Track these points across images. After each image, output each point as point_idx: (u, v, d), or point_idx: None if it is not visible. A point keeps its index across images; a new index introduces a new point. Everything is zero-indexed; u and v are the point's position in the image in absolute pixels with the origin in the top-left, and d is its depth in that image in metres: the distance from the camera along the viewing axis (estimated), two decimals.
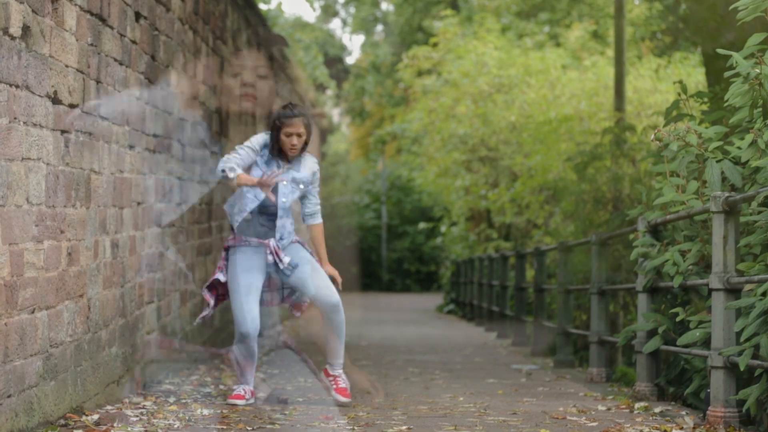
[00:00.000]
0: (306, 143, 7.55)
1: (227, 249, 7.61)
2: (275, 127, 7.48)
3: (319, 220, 7.73)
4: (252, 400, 7.63)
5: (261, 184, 7.28)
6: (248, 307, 7.44)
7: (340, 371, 7.74)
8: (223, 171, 7.30)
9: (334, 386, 7.68)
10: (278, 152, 7.51)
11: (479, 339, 16.90)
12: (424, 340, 16.24)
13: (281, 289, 7.74)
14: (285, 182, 7.48)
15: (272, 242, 7.49)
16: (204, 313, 7.66)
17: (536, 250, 14.35)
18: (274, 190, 7.47)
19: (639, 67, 24.65)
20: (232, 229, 7.57)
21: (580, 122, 21.55)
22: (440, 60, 27.93)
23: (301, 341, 8.22)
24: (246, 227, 7.51)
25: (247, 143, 7.52)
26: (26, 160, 5.65)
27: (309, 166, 7.60)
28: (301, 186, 7.56)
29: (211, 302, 7.61)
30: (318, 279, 7.59)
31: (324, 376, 7.79)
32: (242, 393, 7.59)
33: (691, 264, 7.79)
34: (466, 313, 23.76)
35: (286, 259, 7.49)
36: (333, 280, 7.72)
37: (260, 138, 7.55)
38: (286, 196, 7.49)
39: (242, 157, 7.45)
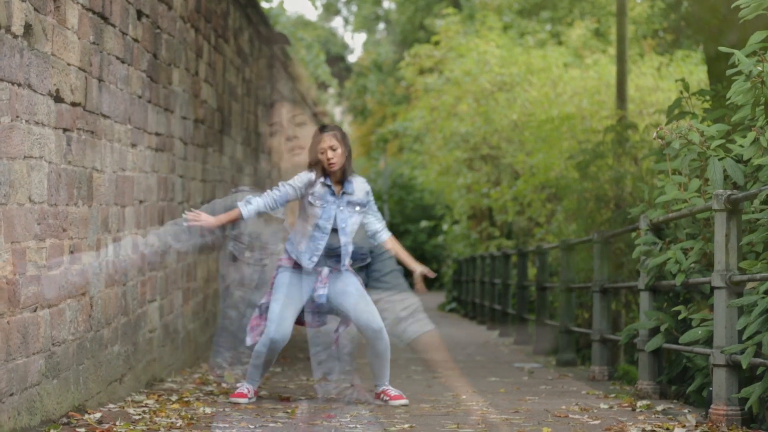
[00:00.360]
0: (347, 158, 7.59)
1: (278, 268, 7.67)
2: (312, 148, 7.59)
3: (388, 234, 7.80)
4: (254, 399, 7.63)
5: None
6: (283, 315, 7.50)
7: (386, 385, 7.73)
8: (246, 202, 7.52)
9: (388, 398, 7.66)
10: (324, 175, 7.55)
11: (481, 337, 16.89)
12: None
13: (323, 314, 7.76)
14: (341, 208, 7.55)
15: (325, 271, 7.55)
16: (249, 343, 7.73)
17: (538, 249, 14.35)
18: (335, 220, 7.54)
19: (641, 65, 24.65)
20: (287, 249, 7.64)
21: (582, 120, 21.54)
22: (442, 58, 27.93)
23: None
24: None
25: (290, 181, 7.61)
26: (28, 158, 5.65)
27: (360, 187, 7.65)
28: (358, 208, 7.62)
29: (257, 330, 7.67)
30: (362, 305, 7.62)
31: (375, 399, 7.76)
32: (245, 392, 7.59)
33: (693, 262, 7.79)
34: (468, 312, 23.76)
35: (321, 291, 7.54)
36: (425, 278, 7.80)
37: (303, 176, 7.60)
38: (345, 222, 7.56)
39: (281, 193, 7.55)
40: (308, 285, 7.58)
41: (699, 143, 7.89)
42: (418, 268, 7.75)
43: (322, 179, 7.55)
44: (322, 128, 7.66)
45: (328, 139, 7.56)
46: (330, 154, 7.53)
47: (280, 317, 7.49)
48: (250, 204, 7.49)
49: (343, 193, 7.59)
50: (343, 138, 7.62)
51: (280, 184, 7.61)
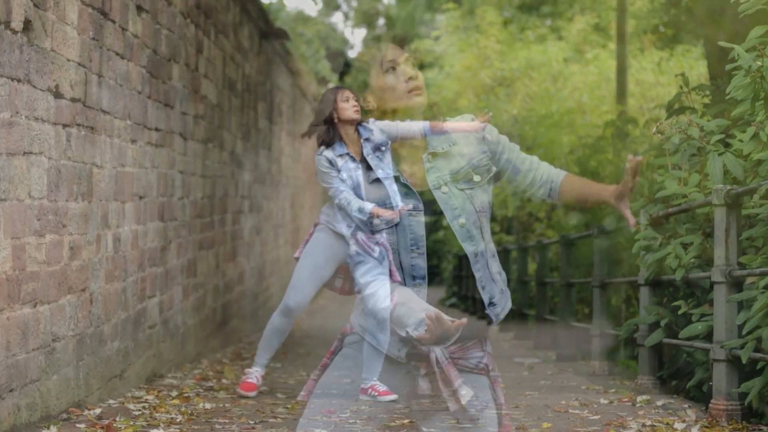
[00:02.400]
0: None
1: (316, 225, 7.50)
2: (331, 104, 7.03)
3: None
4: (261, 387, 7.55)
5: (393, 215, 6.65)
6: (304, 284, 7.40)
7: (375, 380, 7.56)
8: (360, 210, 6.70)
9: (377, 394, 7.52)
10: (339, 140, 6.92)
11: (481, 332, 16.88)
12: None
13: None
14: (370, 156, 6.99)
15: (360, 235, 6.88)
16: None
17: (538, 244, 14.35)
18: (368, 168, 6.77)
19: (641, 59, 24.65)
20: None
21: (583, 115, 21.56)
22: (442, 53, 27.93)
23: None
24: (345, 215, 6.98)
25: (325, 169, 6.92)
26: (28, 154, 5.65)
27: (372, 127, 6.91)
28: (383, 148, 7.01)
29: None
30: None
31: (361, 393, 7.60)
32: (254, 381, 7.53)
33: (693, 257, 7.79)
34: (468, 307, 23.77)
35: (353, 248, 6.96)
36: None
37: (322, 159, 6.94)
38: (381, 167, 6.89)
39: (347, 186, 6.72)
40: (342, 248, 7.21)
41: (699, 138, 7.88)
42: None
43: (341, 150, 6.90)
44: (338, 85, 7.38)
45: (348, 91, 7.27)
46: (354, 101, 7.23)
47: (301, 286, 7.41)
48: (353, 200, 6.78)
49: (366, 140, 6.99)
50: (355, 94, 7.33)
51: (331, 180, 6.95)
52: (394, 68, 6.25)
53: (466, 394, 5.69)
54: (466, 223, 6.17)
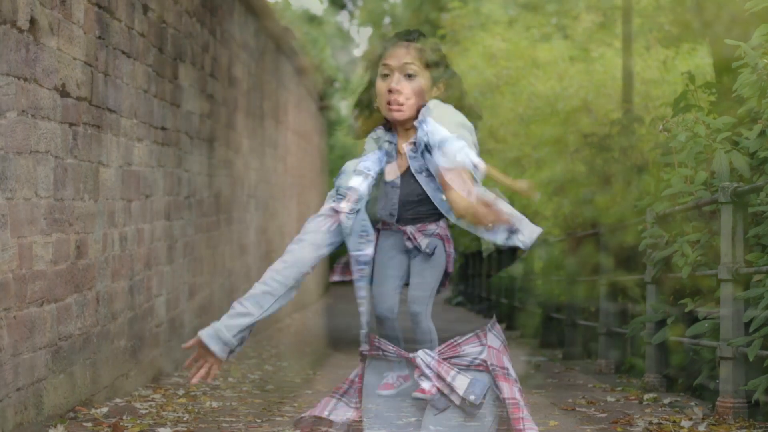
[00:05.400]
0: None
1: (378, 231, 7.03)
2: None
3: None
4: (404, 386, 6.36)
5: None
6: (385, 290, 7.10)
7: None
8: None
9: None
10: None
11: None
12: None
13: None
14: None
15: (409, 228, 6.11)
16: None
17: (545, 242, 14.33)
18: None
19: (647, 58, 24.60)
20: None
21: (588, 114, 21.53)
22: (447, 52, 27.95)
23: None
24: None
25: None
26: (34, 153, 5.65)
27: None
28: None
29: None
30: (415, 280, 7.16)
31: None
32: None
33: (700, 255, 7.78)
34: (474, 306, 23.76)
35: (424, 242, 6.07)
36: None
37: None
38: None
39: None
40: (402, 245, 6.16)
41: (705, 136, 7.88)
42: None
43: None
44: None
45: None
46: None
47: (382, 293, 7.06)
48: None
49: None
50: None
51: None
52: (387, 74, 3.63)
53: (460, 384, 5.28)
54: None
